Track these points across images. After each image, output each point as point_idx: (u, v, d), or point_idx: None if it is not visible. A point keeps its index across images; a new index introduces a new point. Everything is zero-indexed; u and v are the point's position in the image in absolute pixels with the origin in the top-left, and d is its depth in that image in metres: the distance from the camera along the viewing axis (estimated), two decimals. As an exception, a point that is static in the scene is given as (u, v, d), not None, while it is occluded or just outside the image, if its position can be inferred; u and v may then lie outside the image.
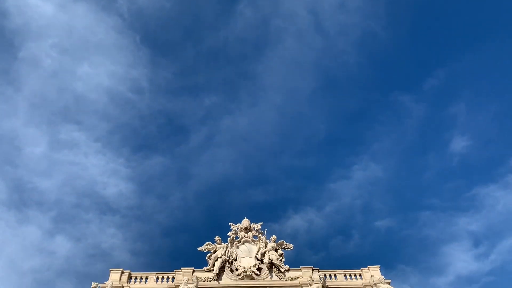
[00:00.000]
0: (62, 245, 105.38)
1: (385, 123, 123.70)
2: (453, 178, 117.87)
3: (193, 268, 43.42)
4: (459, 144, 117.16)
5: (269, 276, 43.61)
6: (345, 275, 44.45)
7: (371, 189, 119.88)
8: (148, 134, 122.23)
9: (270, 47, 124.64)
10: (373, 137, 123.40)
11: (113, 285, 40.60)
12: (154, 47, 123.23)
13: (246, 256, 45.15)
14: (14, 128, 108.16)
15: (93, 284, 40.08)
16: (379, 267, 44.42)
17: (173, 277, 42.99)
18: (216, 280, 42.78)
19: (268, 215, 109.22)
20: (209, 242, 45.47)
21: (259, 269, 43.78)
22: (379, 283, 41.63)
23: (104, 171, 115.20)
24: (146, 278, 43.24)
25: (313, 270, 43.78)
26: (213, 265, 43.59)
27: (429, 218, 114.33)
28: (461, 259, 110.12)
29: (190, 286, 39.99)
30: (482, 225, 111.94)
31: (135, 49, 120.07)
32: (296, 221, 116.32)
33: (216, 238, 45.78)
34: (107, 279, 41.88)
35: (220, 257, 43.99)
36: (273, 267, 44.10)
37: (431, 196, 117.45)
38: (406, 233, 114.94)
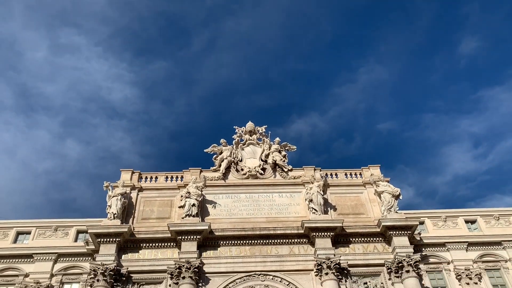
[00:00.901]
0: (72, 148, 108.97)
1: (394, 23, 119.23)
2: (459, 80, 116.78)
3: (200, 168, 45.09)
4: (468, 45, 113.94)
5: (273, 175, 45.48)
6: (345, 174, 45.98)
7: (375, 93, 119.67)
8: (149, 37, 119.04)
9: None
10: (381, 39, 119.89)
11: (124, 184, 42.15)
12: None
13: (250, 157, 46.69)
14: (12, 32, 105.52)
15: (106, 184, 41.46)
16: (379, 166, 45.65)
17: (182, 177, 44.67)
18: (222, 179, 44.70)
19: (272, 119, 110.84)
20: (215, 144, 46.71)
21: (263, 169, 45.60)
22: (378, 181, 43.11)
23: (107, 76, 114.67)
24: (156, 178, 44.77)
25: (315, 169, 45.34)
26: (220, 165, 45.28)
27: (432, 120, 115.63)
28: (459, 160, 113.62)
29: (198, 184, 41.73)
30: (484, 126, 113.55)
31: None
32: (300, 125, 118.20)
33: (222, 140, 46.90)
34: (118, 179, 43.14)
35: (226, 158, 45.52)
36: (277, 167, 45.82)
37: (436, 98, 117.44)
38: (407, 134, 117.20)
